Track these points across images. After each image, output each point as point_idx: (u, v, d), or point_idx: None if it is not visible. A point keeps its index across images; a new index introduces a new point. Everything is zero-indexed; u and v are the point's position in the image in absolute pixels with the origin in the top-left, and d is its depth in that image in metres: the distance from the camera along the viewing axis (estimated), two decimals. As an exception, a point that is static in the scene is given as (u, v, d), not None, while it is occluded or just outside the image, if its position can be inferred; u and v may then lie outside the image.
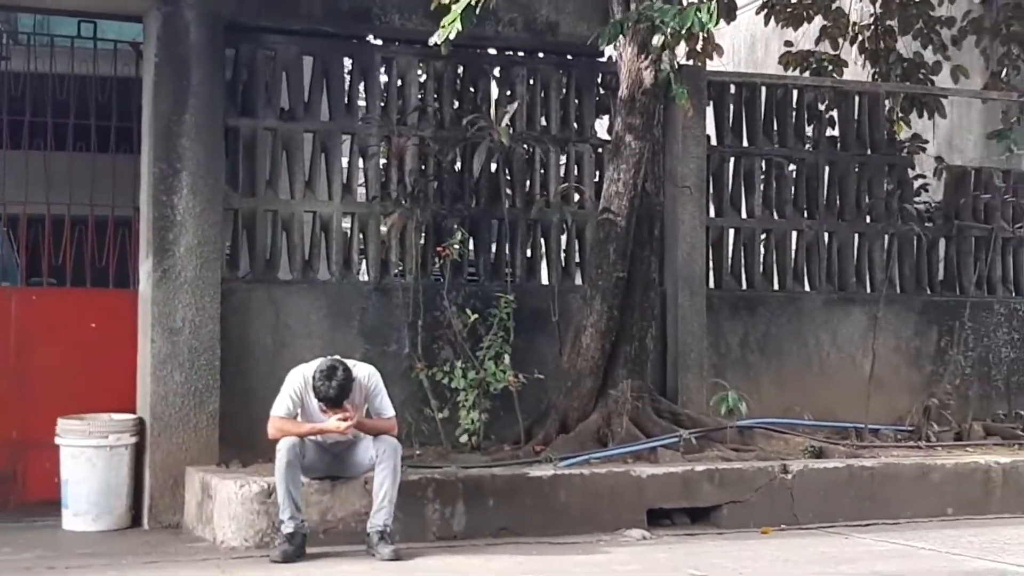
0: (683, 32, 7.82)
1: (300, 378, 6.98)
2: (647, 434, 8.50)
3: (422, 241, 8.91)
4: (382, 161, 9.12)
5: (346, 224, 8.98)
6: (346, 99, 9.02)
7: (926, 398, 9.72)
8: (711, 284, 9.75)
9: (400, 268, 8.96)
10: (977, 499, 8.48)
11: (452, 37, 7.32)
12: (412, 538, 7.09)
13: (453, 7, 7.29)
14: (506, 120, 8.72)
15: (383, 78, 9.20)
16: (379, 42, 9.24)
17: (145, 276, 8.27)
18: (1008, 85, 10.93)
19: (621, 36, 8.41)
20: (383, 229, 8.87)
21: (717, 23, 7.75)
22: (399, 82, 9.15)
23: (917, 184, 10.59)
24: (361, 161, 9.06)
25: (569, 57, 9.59)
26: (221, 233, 8.36)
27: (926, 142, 10.93)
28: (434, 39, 7.42)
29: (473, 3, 7.25)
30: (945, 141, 11.81)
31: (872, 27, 11.38)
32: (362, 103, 9.16)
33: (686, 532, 7.79)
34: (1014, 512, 8.50)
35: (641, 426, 8.56)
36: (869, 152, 10.30)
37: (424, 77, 9.26)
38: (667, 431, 8.56)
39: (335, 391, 6.77)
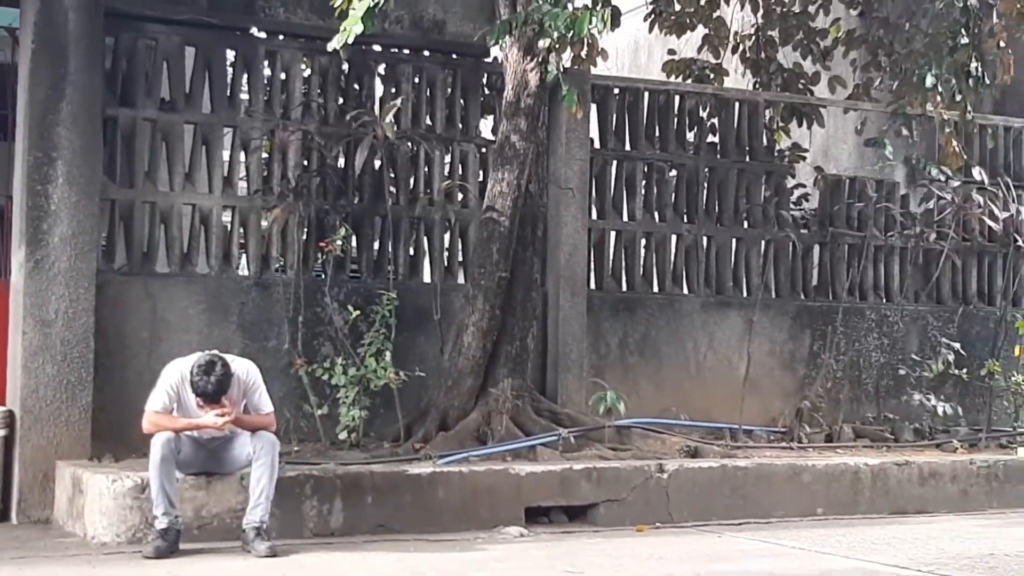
0: (570, 36, 7.88)
1: (177, 373, 6.87)
2: (527, 433, 8.55)
3: (304, 236, 8.84)
4: (264, 155, 9.02)
5: (226, 218, 8.88)
6: (228, 91, 8.93)
7: (799, 400, 9.93)
8: (592, 285, 9.84)
9: (281, 263, 8.88)
10: (846, 499, 8.68)
11: (351, 41, 7.29)
12: (289, 535, 7.02)
13: (351, 11, 7.26)
14: (390, 116, 8.70)
15: (267, 71, 9.10)
16: (263, 35, 9.15)
17: (17, 266, 8.07)
18: (870, 96, 11.24)
19: (508, 37, 8.44)
20: (264, 223, 8.80)
21: (613, 29, 7.84)
22: (283, 76, 9.07)
23: (797, 192, 10.81)
24: (243, 155, 8.96)
25: (455, 56, 9.61)
26: (97, 224, 8.20)
27: (806, 151, 11.17)
28: (334, 43, 7.38)
29: (373, 5, 7.23)
30: (822, 150, 12.09)
31: (753, 37, 11.58)
32: (245, 96, 9.06)
33: (563, 530, 7.84)
34: (881, 512, 8.74)
35: (521, 425, 8.60)
36: (748, 159, 10.49)
37: (308, 72, 9.20)
38: (547, 430, 8.62)
39: (213, 386, 6.69)
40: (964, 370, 10.25)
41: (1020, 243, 10.97)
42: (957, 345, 10.32)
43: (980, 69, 9.87)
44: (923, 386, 10.18)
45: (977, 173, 10.94)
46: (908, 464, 9.01)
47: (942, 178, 10.84)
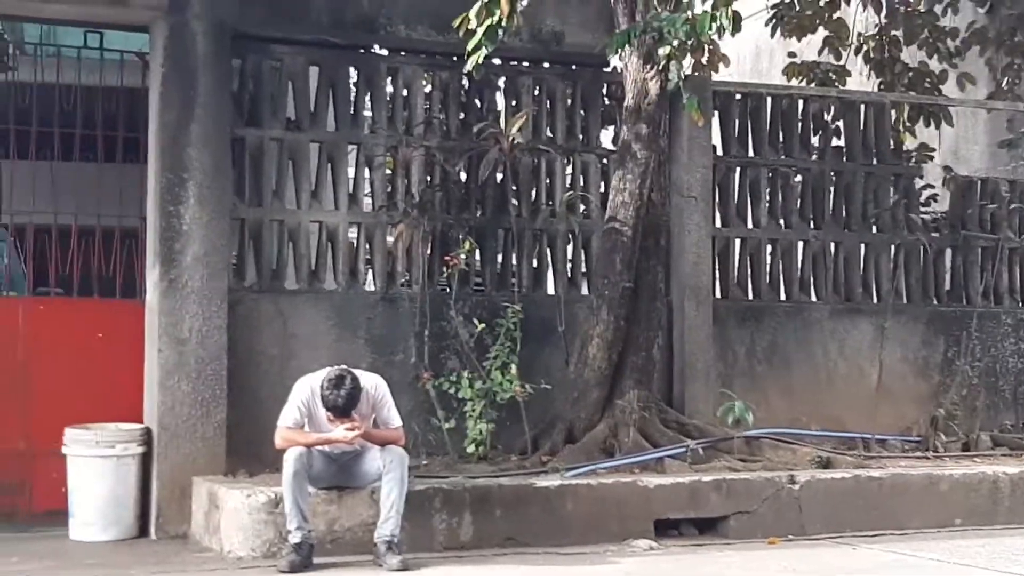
0: (690, 43, 7.82)
1: (307, 388, 6.97)
2: (654, 444, 8.48)
3: (428, 251, 8.90)
4: (388, 171, 9.12)
5: (352, 234, 8.98)
6: (352, 109, 9.03)
7: (933, 408, 9.70)
8: (717, 294, 9.72)
9: (406, 278, 8.95)
10: (984, 509, 8.46)
11: (480, 62, 7.43)
12: (419, 548, 7.07)
13: (477, 30, 7.36)
14: (516, 127, 8.73)
15: (389, 88, 9.20)
16: (385, 52, 9.25)
17: (152, 286, 8.27)
18: (1013, 95, 10.93)
19: (627, 46, 8.41)
20: (389, 239, 8.88)
21: (734, 33, 7.75)
22: (405, 92, 9.15)
23: (924, 194, 10.58)
24: (367, 171, 9.05)
25: (574, 67, 9.59)
26: (228, 243, 8.36)
27: (933, 151, 10.93)
28: (468, 67, 7.57)
29: (495, 23, 7.31)
30: (951, 151, 11.82)
31: (877, 37, 11.39)
32: (368, 113, 9.16)
33: (693, 543, 7.77)
34: (1021, 522, 8.48)
35: (648, 436, 8.53)
36: (875, 162, 10.28)
37: (430, 87, 9.27)
38: (674, 441, 8.54)
39: (343, 400, 6.77)
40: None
41: None
42: (1098, 349, 10.00)
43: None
44: (1063, 393, 9.89)
45: None
46: (1050, 472, 8.74)
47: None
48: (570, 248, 9.45)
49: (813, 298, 10.01)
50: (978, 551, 7.47)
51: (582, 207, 9.47)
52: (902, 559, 7.31)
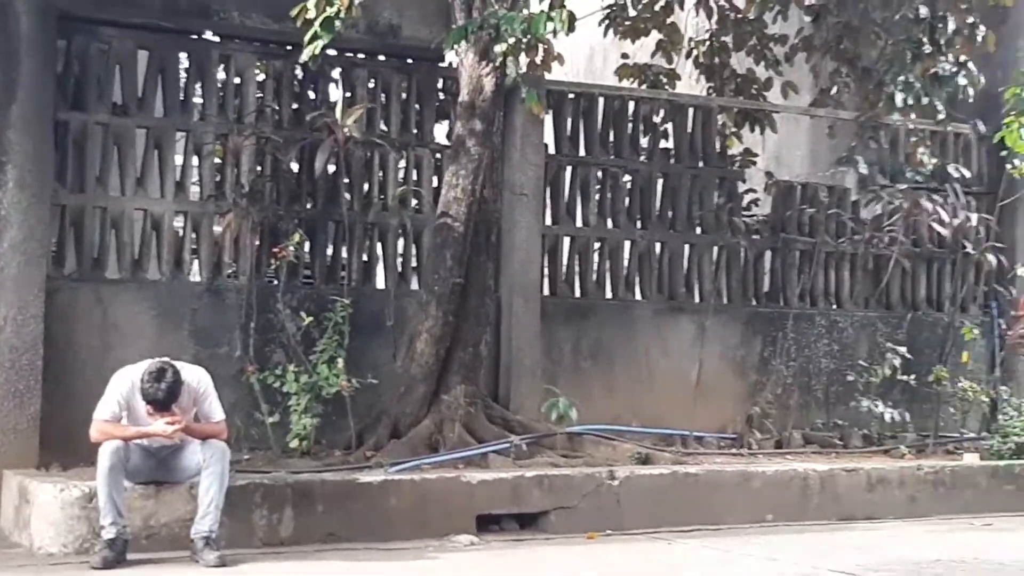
0: (526, 41, 7.91)
1: (127, 380, 6.84)
2: (479, 440, 8.57)
3: (257, 242, 8.81)
4: (217, 160, 8.99)
5: (178, 223, 8.84)
6: (182, 95, 8.88)
7: (749, 407, 10.02)
8: (546, 291, 9.86)
9: (234, 269, 8.85)
10: (795, 505, 8.76)
11: (317, 52, 7.43)
12: (238, 544, 7.00)
13: (314, 20, 7.33)
14: (352, 120, 8.69)
15: (221, 75, 9.07)
16: (217, 39, 9.11)
17: (-35, 272, 8.01)
18: (837, 102, 11.30)
19: (463, 42, 8.46)
20: (217, 229, 8.76)
21: (569, 32, 7.86)
22: (237, 80, 9.03)
23: (748, 198, 10.89)
24: (196, 159, 8.91)
25: (410, 61, 9.60)
26: (47, 229, 8.16)
27: (757, 156, 11.25)
28: (304, 57, 7.55)
29: (333, 14, 7.28)
30: (774, 156, 12.17)
31: (707, 43, 11.64)
32: (198, 100, 9.02)
33: (515, 538, 7.87)
34: (830, 518, 8.82)
35: (473, 432, 8.62)
36: (701, 165, 10.53)
37: (263, 76, 9.17)
38: (499, 437, 8.64)
39: (164, 394, 6.66)
40: (912, 376, 10.35)
41: (968, 249, 11.08)
42: (903, 350, 10.40)
43: (946, 70, 10.04)
44: (871, 392, 10.27)
45: (953, 170, 10.98)
46: (856, 470, 9.10)
47: (895, 184, 10.94)
48: (401, 243, 9.46)
49: (638, 297, 10.22)
50: (788, 546, 7.74)
51: (414, 201, 9.50)
52: (715, 554, 7.53)
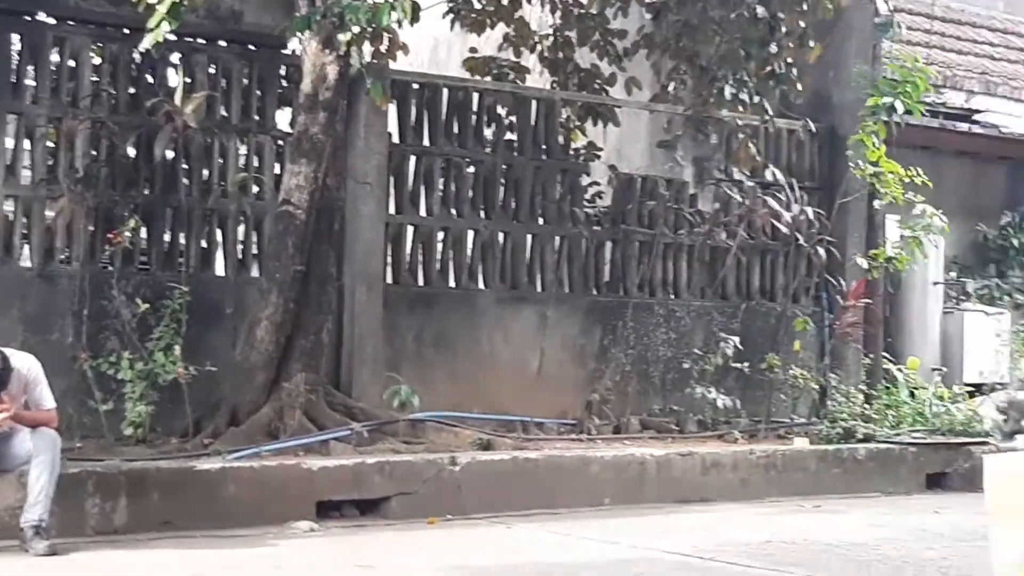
0: (371, 30, 7.91)
1: (-47, 367, 6.64)
2: (320, 427, 8.54)
3: (92, 227, 8.63)
4: (51, 144, 8.77)
5: (9, 207, 8.59)
6: (14, 78, 8.65)
7: (589, 393, 10.17)
8: (389, 280, 9.86)
9: (67, 255, 8.65)
10: (633, 489, 8.93)
11: (161, 40, 7.30)
12: (70, 533, 6.85)
13: (158, 7, 7.18)
14: (192, 107, 8.56)
15: (55, 58, 8.85)
16: (52, 21, 8.89)
17: None
18: (675, 98, 11.53)
19: (307, 30, 8.42)
20: (49, 214, 8.55)
21: (413, 23, 7.88)
22: (72, 63, 8.83)
23: (591, 190, 11.05)
24: (28, 143, 8.68)
25: (253, 48, 9.52)
26: None
27: (600, 150, 11.41)
28: (147, 44, 7.37)
29: (179, 1, 7.17)
30: (615, 149, 12.36)
31: (552, 37, 11.76)
32: (31, 83, 8.78)
33: (355, 524, 7.87)
34: (666, 501, 9.02)
35: (314, 419, 8.58)
36: (545, 157, 10.65)
37: (99, 60, 8.98)
38: (340, 424, 8.63)
39: (-9, 381, 6.49)
40: (746, 364, 10.65)
41: (801, 242, 11.43)
42: (736, 339, 10.69)
43: (782, 68, 10.35)
44: (706, 379, 10.52)
45: (769, 174, 11.34)
46: (691, 455, 9.33)
47: (732, 178, 11.24)
48: (241, 230, 9.36)
49: (481, 286, 10.30)
50: (625, 529, 7.88)
51: (255, 189, 9.40)
52: (553, 537, 7.63)
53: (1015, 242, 14.74)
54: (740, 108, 10.47)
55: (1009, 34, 16.16)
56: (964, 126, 13.66)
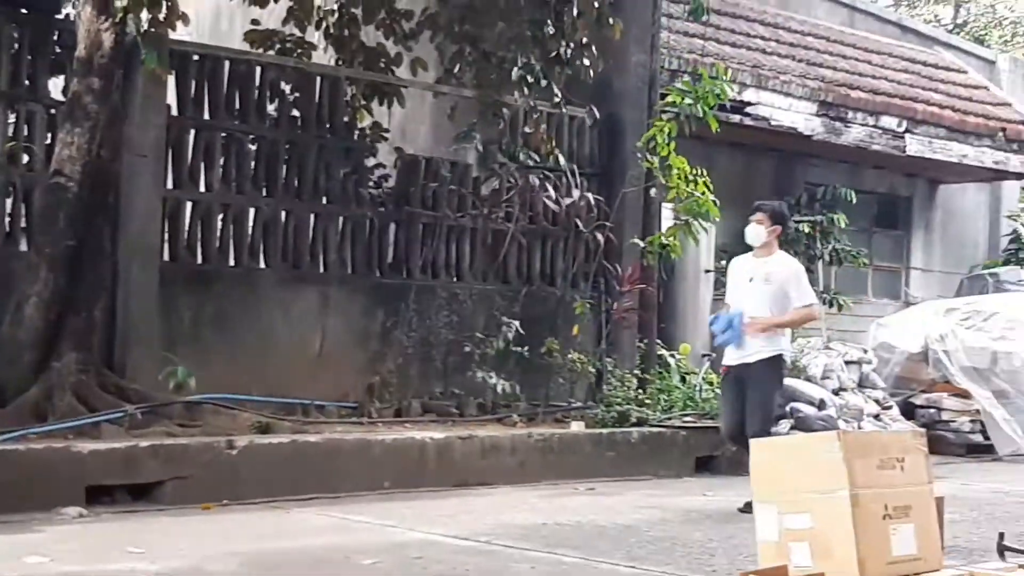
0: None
1: None
2: (91, 409, 8.27)
3: None
4: None
5: None
6: None
7: (371, 376, 10.14)
8: (166, 257, 9.59)
9: None
10: (413, 473, 8.95)
11: None
12: None
13: None
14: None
15: None
16: None
17: None
18: (459, 81, 11.55)
19: (81, -5, 8.11)
20: None
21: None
22: None
23: (378, 172, 10.98)
24: None
25: (24, 11, 9.11)
26: None
27: (387, 130, 11.34)
28: None
29: None
30: (400, 130, 12.31)
31: (337, 13, 11.61)
32: None
33: (127, 509, 7.65)
34: (445, 485, 9.07)
35: (85, 401, 8.30)
36: (329, 135, 10.54)
37: None
38: (113, 406, 8.37)
39: None
40: (526, 348, 10.79)
41: (581, 228, 11.64)
42: (516, 324, 10.83)
43: (568, 54, 10.49)
44: (487, 363, 10.63)
45: (552, 160, 11.48)
46: (471, 438, 9.42)
47: (515, 162, 11.35)
48: (9, 201, 8.94)
49: (262, 265, 10.12)
50: (403, 512, 7.89)
51: (25, 158, 8.99)
52: (331, 521, 7.58)
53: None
54: (526, 92, 10.57)
55: (780, 29, 16.82)
56: (736, 118, 14.13)
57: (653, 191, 11.91)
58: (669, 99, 11.37)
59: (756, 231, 8.79)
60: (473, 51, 11.30)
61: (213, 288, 9.74)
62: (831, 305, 15.49)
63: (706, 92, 11.05)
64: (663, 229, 11.93)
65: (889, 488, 5.39)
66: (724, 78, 11.29)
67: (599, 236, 11.62)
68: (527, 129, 11.38)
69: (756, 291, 8.73)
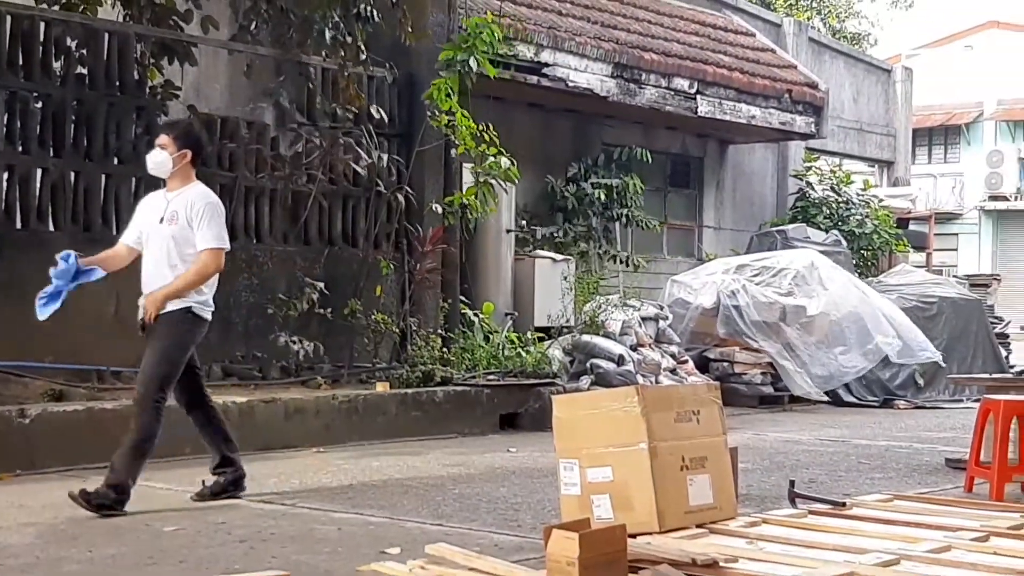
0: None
1: None
2: None
3: None
4: None
5: None
6: None
7: (171, 340, 9.88)
8: (-53, 221, 9.18)
9: None
10: (215, 437, 8.80)
11: None
12: None
13: None
14: None
15: None
16: None
17: None
18: (255, 39, 11.34)
19: None
20: None
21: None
22: None
23: (171, 131, 10.67)
24: None
25: None
26: None
27: (179, 89, 11.05)
28: None
29: None
30: (194, 88, 12.01)
31: (125, -32, 11.24)
32: None
33: (-88, 483, 7.34)
34: (249, 449, 8.84)
35: None
36: (119, 94, 10.21)
37: None
38: None
39: None
40: (329, 309, 10.72)
41: (381, 188, 11.60)
42: (321, 285, 10.75)
43: (369, 11, 10.40)
44: (290, 326, 10.51)
45: (351, 119, 11.39)
46: (274, 401, 9.34)
47: (314, 122, 11.21)
48: None
49: (51, 228, 9.76)
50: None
51: None
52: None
53: (577, 191, 15.65)
54: (329, 50, 10.44)
55: (575, -10, 17.01)
56: (534, 79, 14.26)
57: (454, 151, 11.94)
58: (443, 54, 11.40)
59: (159, 158, 7.13)
60: (269, 7, 11.09)
61: (3, 253, 9.35)
62: (626, 264, 15.84)
63: (475, 41, 11.14)
64: (464, 189, 11.97)
65: (687, 440, 5.59)
66: (492, 26, 11.38)
67: (400, 196, 11.60)
68: (340, 88, 11.24)
69: (162, 234, 7.25)
